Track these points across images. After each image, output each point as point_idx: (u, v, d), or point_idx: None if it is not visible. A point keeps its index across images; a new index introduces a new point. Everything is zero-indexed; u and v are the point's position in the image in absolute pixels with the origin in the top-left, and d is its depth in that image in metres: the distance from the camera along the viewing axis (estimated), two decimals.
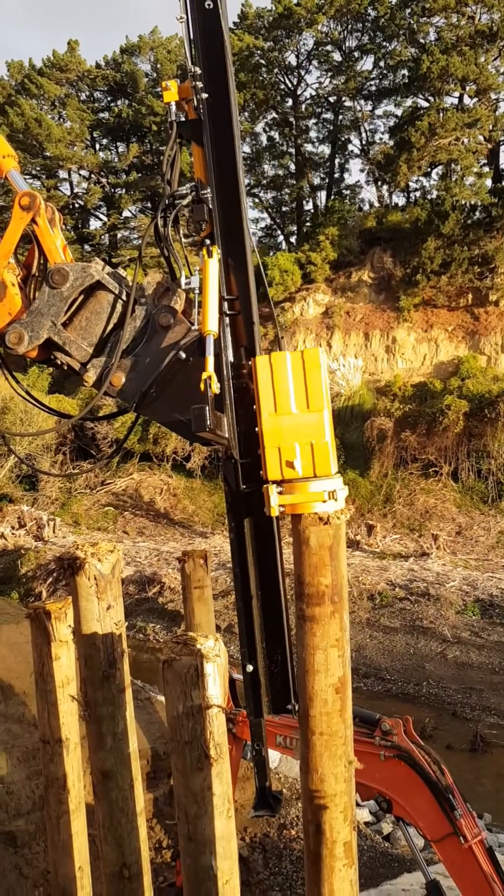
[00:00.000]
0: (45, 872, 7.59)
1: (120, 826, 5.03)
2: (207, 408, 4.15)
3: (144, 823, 5.34)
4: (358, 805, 10.10)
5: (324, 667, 3.78)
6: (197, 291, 4.67)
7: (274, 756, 10.08)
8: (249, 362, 4.72)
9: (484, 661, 19.21)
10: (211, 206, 4.86)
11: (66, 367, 4.98)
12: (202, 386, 4.22)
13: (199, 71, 4.85)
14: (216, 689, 3.54)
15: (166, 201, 4.96)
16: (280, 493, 3.92)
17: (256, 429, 4.27)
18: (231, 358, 4.83)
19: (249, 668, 5.07)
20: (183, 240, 5.08)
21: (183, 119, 5.03)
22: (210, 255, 4.61)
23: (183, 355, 4.65)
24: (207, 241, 4.84)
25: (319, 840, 3.89)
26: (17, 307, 4.79)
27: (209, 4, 4.89)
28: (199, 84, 4.85)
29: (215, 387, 4.24)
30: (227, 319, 4.83)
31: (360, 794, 5.37)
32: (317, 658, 3.78)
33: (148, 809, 8.54)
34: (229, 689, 6.65)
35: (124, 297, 4.83)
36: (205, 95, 4.86)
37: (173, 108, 4.98)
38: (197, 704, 3.50)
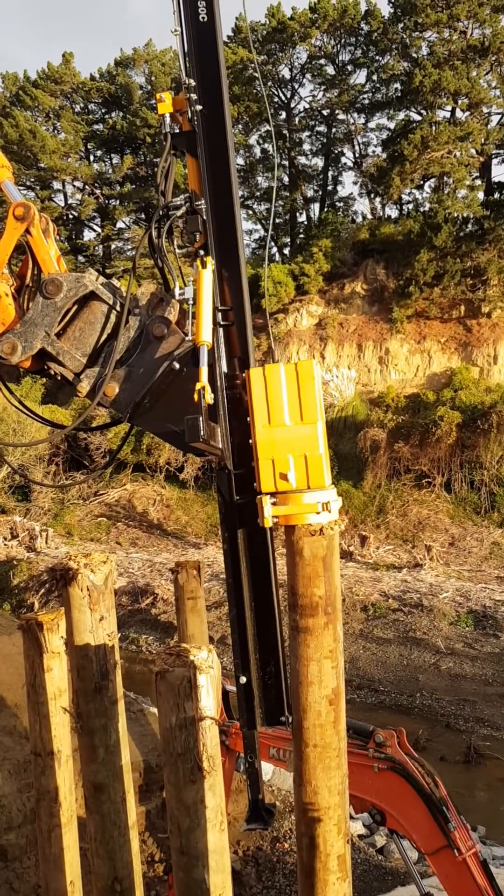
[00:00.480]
0: (36, 887, 7.52)
1: (112, 839, 4.99)
2: (201, 418, 4.15)
3: (136, 837, 5.29)
4: (351, 818, 10.05)
5: (317, 678, 3.77)
6: (191, 302, 4.67)
7: (267, 768, 10.03)
8: (243, 373, 4.73)
9: (477, 673, 19.19)
10: (205, 217, 4.87)
11: (59, 378, 4.98)
12: (196, 396, 4.22)
13: (193, 83, 4.87)
14: (209, 700, 3.52)
15: (160, 212, 4.97)
16: (274, 504, 3.92)
17: (250, 440, 4.27)
18: (225, 368, 4.84)
19: (243, 679, 5.05)
20: (177, 250, 5.09)
21: (177, 130, 5.05)
22: (204, 265, 4.62)
23: (177, 366, 4.65)
24: (201, 252, 4.85)
25: (313, 853, 3.87)
26: (10, 317, 4.79)
27: (204, 17, 4.92)
28: (194, 96, 4.87)
29: (209, 397, 4.24)
30: (220, 330, 4.83)
31: (353, 807, 5.34)
32: (310, 669, 3.77)
33: (140, 822, 8.48)
34: (222, 701, 6.62)
35: (118, 308, 4.83)
36: (199, 107, 4.88)
37: (167, 119, 5.00)
38: (190, 716, 3.48)
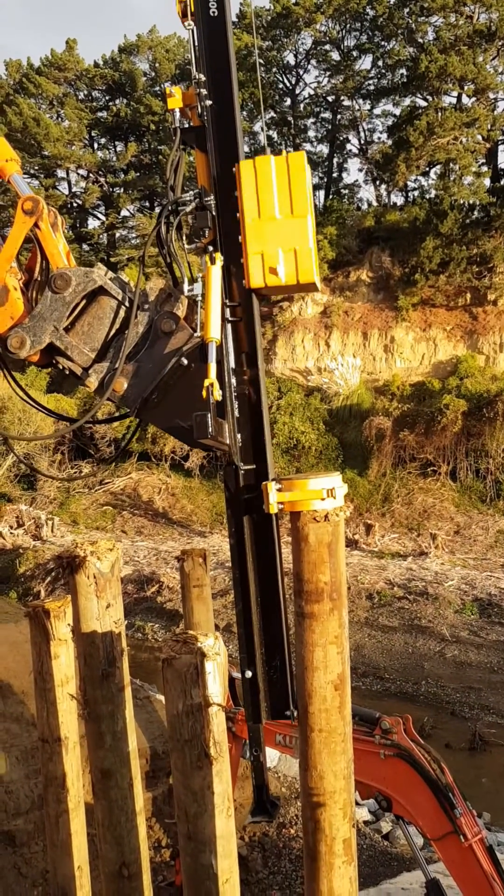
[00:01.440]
0: (44, 872, 7.58)
1: (119, 825, 5.02)
2: (209, 415, 4.16)
3: (144, 822, 5.33)
4: (357, 804, 10.09)
5: (323, 663, 3.78)
6: (199, 298, 4.66)
7: (273, 755, 10.07)
8: (251, 370, 4.72)
9: (482, 661, 19.21)
10: (214, 214, 4.85)
11: (68, 372, 4.98)
12: (204, 393, 4.23)
13: (203, 78, 4.84)
14: (216, 687, 3.53)
15: (169, 208, 4.94)
16: (279, 490, 3.92)
17: (256, 439, 4.26)
18: (233, 364, 4.83)
19: (249, 673, 5.07)
20: (186, 246, 5.07)
21: (187, 126, 5.02)
22: (213, 261, 4.60)
23: (185, 362, 4.65)
24: (210, 248, 4.83)
25: (318, 837, 3.88)
26: (19, 311, 4.79)
27: (214, 12, 4.88)
28: (204, 91, 4.84)
29: (217, 394, 4.24)
30: (229, 326, 4.82)
31: (359, 793, 5.37)
32: (316, 655, 3.78)
33: (147, 808, 8.53)
34: (229, 688, 6.65)
35: (127, 303, 4.82)
36: (209, 102, 4.85)
37: (177, 114, 4.96)
38: (197, 703, 3.49)
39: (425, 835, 5.42)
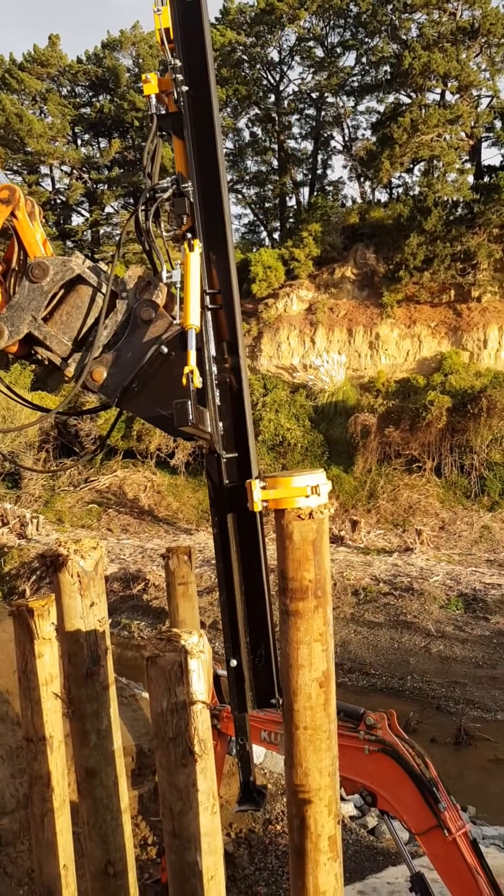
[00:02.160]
0: (29, 871, 7.56)
1: (104, 823, 5.01)
2: (189, 402, 4.14)
3: (129, 820, 5.33)
4: (343, 799, 10.13)
5: (307, 661, 3.79)
6: (178, 286, 4.64)
7: (259, 751, 10.09)
8: (232, 357, 4.71)
9: (467, 655, 19.32)
10: (192, 200, 4.83)
11: (47, 363, 4.95)
12: (184, 380, 4.21)
13: (178, 63, 4.81)
14: (200, 685, 3.53)
15: (147, 195, 4.92)
16: (263, 488, 3.92)
17: (239, 424, 4.25)
18: (213, 352, 4.82)
19: (233, 662, 5.07)
20: (164, 233, 5.05)
21: (163, 112, 4.99)
22: (191, 248, 4.58)
23: (165, 350, 4.63)
24: (189, 235, 4.81)
25: (304, 834, 3.89)
26: None
27: None
28: (180, 76, 4.80)
29: (197, 381, 4.22)
30: (209, 313, 4.81)
31: (344, 788, 5.39)
32: (300, 652, 3.79)
33: (133, 806, 8.52)
34: (213, 686, 6.65)
35: (105, 291, 4.80)
36: (185, 88, 4.82)
37: (153, 101, 4.94)
38: (181, 700, 3.49)
39: (410, 829, 5.45)
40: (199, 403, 4.32)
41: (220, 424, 4.79)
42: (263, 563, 5.00)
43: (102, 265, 5.11)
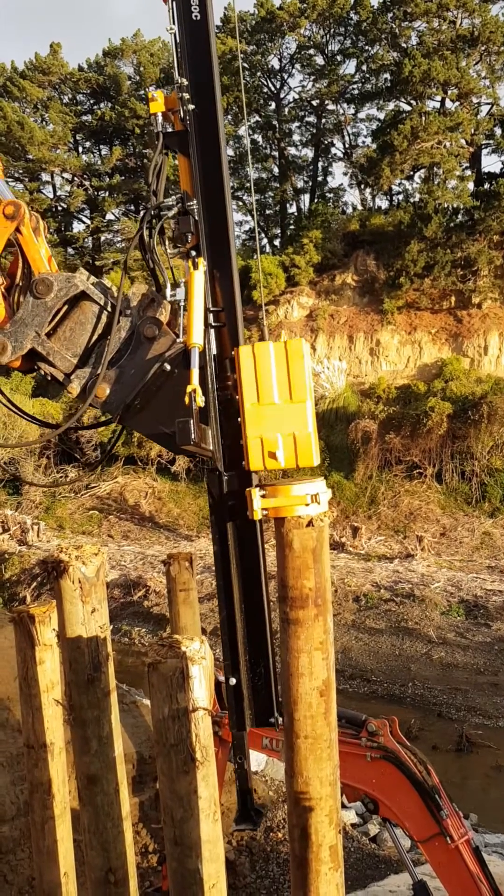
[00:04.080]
0: (29, 879, 7.54)
1: (105, 831, 5.00)
2: (192, 421, 4.14)
3: (130, 828, 5.31)
4: (344, 806, 10.10)
5: (308, 670, 3.78)
6: (182, 303, 4.65)
7: (260, 759, 10.07)
8: (234, 375, 4.71)
9: (469, 662, 19.28)
10: (197, 218, 4.84)
11: (49, 378, 4.96)
12: (187, 399, 4.21)
13: (185, 82, 4.82)
14: (202, 691, 3.53)
15: (152, 212, 4.93)
16: (263, 496, 3.92)
17: (241, 442, 4.25)
18: (216, 370, 4.83)
19: (233, 681, 5.06)
20: (168, 251, 5.06)
21: (169, 130, 5.00)
22: (196, 266, 4.59)
23: (168, 367, 4.62)
24: (193, 253, 4.82)
25: (305, 844, 3.89)
26: (0, 317, 4.77)
27: (196, 16, 4.85)
28: (186, 95, 4.82)
29: (200, 400, 4.23)
30: (212, 331, 4.82)
31: (346, 796, 5.38)
32: (301, 661, 3.78)
33: (134, 814, 8.50)
34: (215, 692, 6.64)
35: (109, 308, 4.80)
36: (192, 107, 4.83)
37: (160, 118, 4.94)
38: (183, 707, 3.49)
39: (412, 837, 5.43)
40: (201, 421, 4.32)
41: (222, 442, 4.79)
42: (263, 578, 4.99)
43: (106, 280, 5.12)
